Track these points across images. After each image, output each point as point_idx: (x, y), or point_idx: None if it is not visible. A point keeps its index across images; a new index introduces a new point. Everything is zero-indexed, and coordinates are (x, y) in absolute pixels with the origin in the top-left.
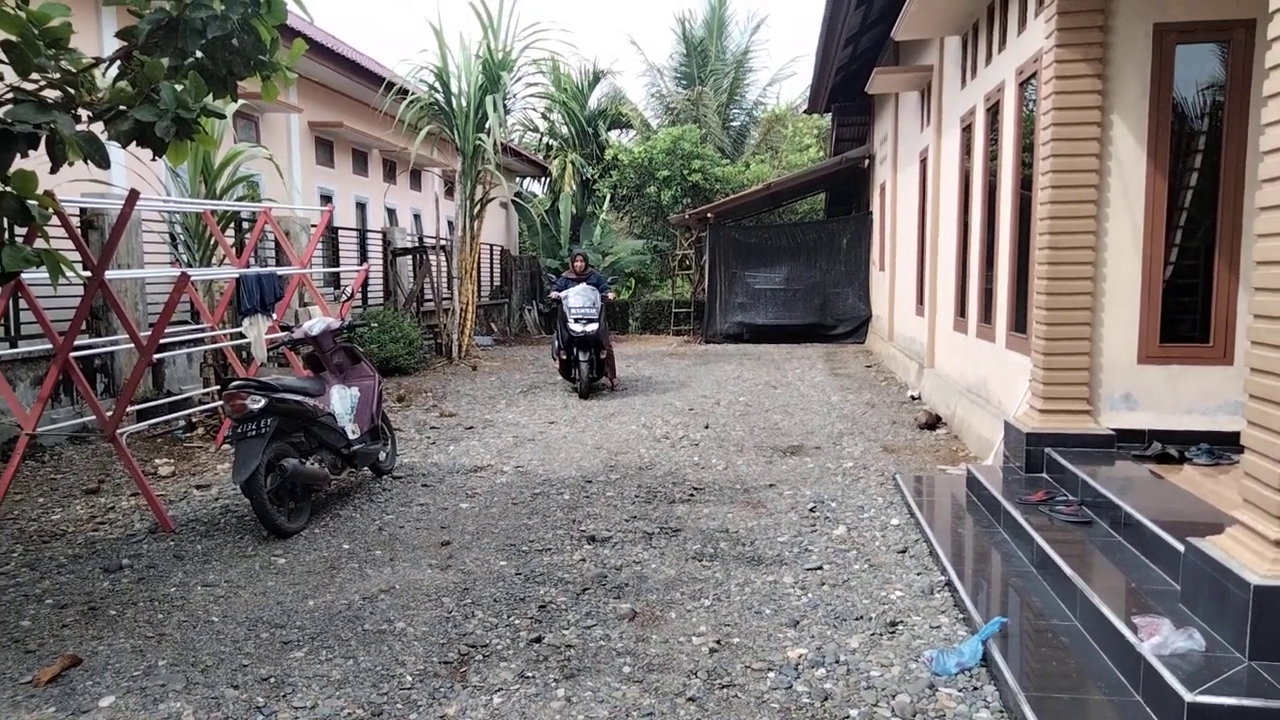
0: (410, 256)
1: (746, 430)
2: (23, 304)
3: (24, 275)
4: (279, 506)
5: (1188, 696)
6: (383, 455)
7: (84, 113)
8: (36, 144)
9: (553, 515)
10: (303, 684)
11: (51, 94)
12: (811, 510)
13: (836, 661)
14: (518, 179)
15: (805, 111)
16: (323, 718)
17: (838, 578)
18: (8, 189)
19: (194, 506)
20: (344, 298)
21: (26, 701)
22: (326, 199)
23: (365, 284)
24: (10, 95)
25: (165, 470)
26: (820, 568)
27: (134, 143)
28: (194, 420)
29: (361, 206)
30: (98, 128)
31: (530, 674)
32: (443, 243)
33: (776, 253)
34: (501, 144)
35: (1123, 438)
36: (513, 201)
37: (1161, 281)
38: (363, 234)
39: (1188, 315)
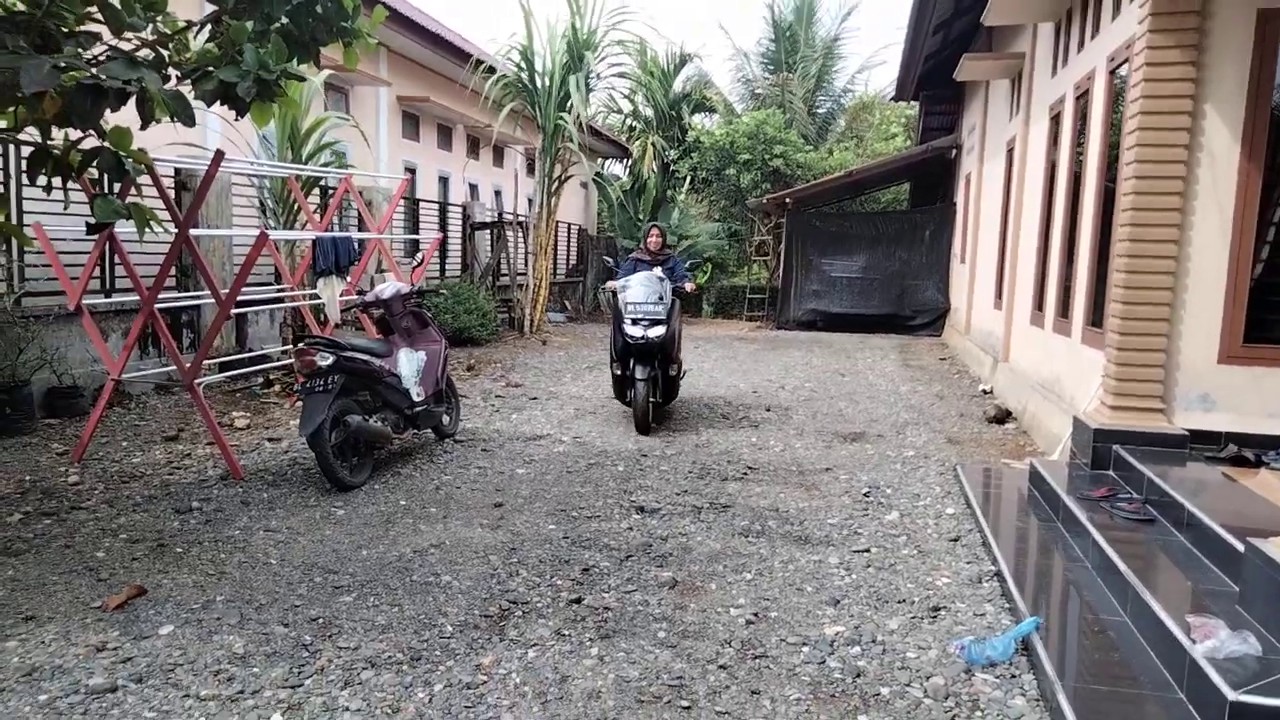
0: (489, 231)
1: (809, 415)
2: (117, 258)
3: (118, 230)
4: (342, 461)
5: (1231, 695)
6: (446, 419)
7: (173, 72)
8: (126, 100)
9: (605, 485)
10: (349, 626)
11: (145, 54)
12: (865, 495)
13: (873, 641)
14: (599, 159)
15: (892, 99)
16: (364, 658)
17: (884, 561)
18: (105, 144)
19: (264, 457)
20: (414, 264)
21: (95, 625)
22: (410, 172)
23: (444, 255)
24: (106, 54)
25: (241, 423)
26: (868, 550)
27: (218, 102)
28: (271, 377)
29: (444, 180)
30: (186, 88)
31: (567, 632)
32: (520, 219)
33: (855, 241)
34: (583, 123)
35: (1197, 439)
36: (594, 181)
37: (1249, 279)
38: (443, 207)
39: (1276, 315)
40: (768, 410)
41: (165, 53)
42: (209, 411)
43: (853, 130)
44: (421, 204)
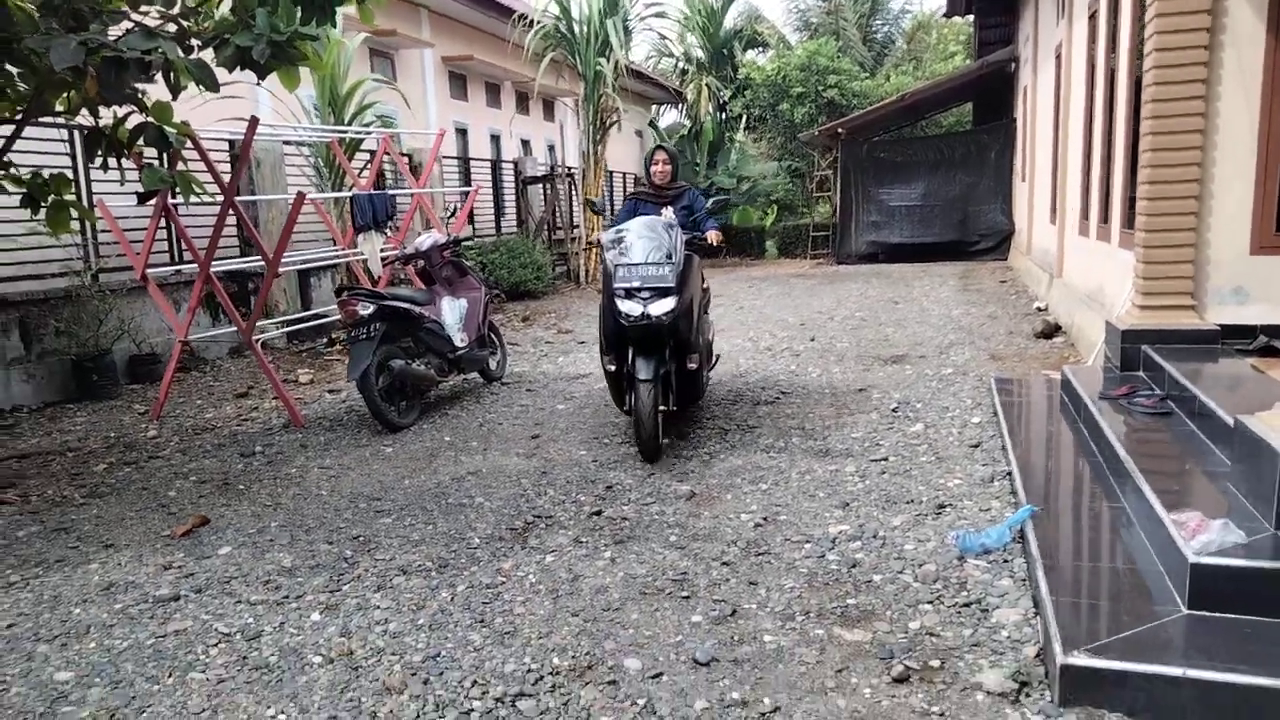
0: (540, 185)
1: (853, 342)
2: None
3: (173, 202)
4: (390, 403)
5: (1191, 558)
6: (492, 363)
7: (195, 43)
8: (147, 70)
9: None
10: (386, 542)
11: (170, 27)
12: (894, 410)
13: (874, 537)
14: (653, 105)
15: (944, 15)
16: (397, 567)
17: (900, 468)
18: (149, 119)
19: (324, 407)
20: (446, 216)
21: (163, 549)
22: (461, 132)
23: (499, 211)
24: (129, 29)
25: (305, 378)
26: (885, 459)
27: (238, 67)
28: (334, 336)
29: (495, 138)
30: (210, 57)
31: (584, 540)
32: (570, 171)
33: (913, 168)
34: (630, 69)
35: (1230, 334)
36: (649, 126)
37: None
38: (495, 164)
39: None
40: (812, 340)
41: (187, 24)
42: (268, 365)
43: (911, 53)
44: (473, 162)
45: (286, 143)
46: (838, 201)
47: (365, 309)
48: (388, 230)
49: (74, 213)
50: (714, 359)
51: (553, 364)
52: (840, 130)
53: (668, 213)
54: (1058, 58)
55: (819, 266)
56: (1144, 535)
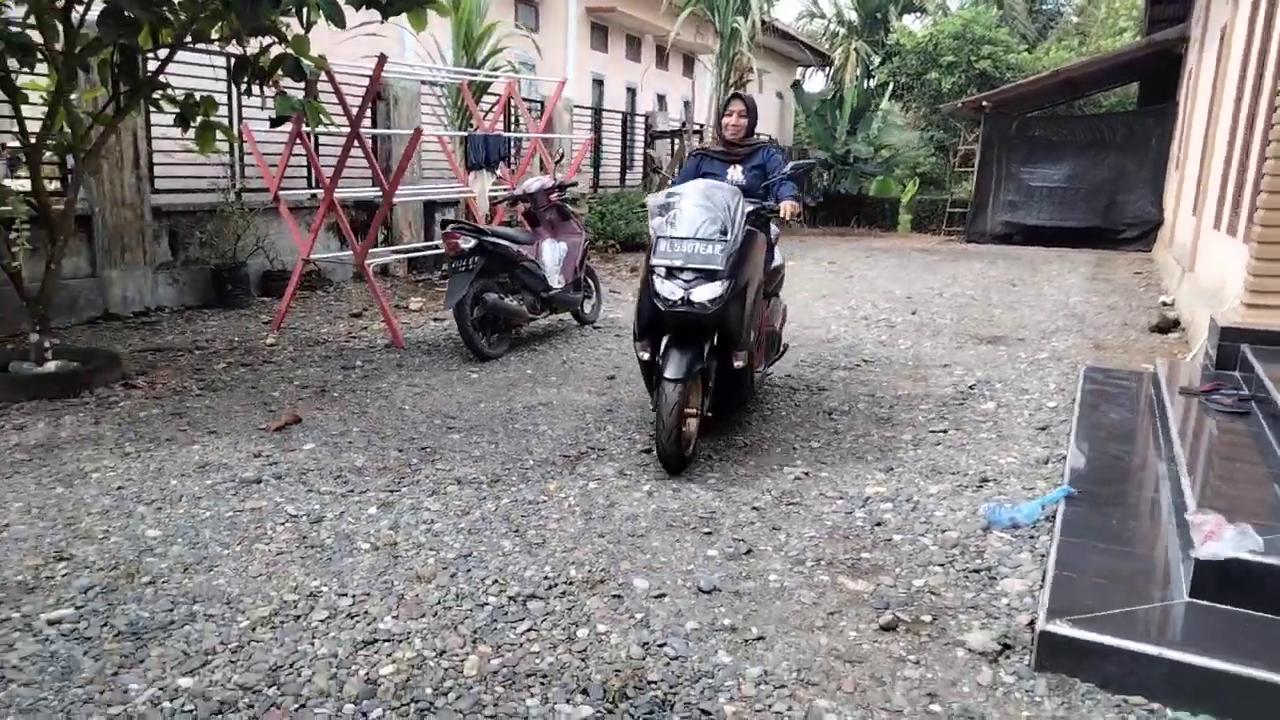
0: (669, 140)
1: (954, 319)
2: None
3: (314, 131)
4: (481, 334)
5: (1195, 553)
6: (586, 307)
7: None
8: (278, 3)
9: None
10: (449, 455)
11: None
12: (971, 388)
13: (907, 501)
14: (799, 68)
15: None
16: (454, 478)
17: (957, 441)
18: (289, 50)
19: (426, 333)
20: (556, 161)
21: (257, 440)
22: (598, 83)
23: (625, 165)
24: None
25: (415, 305)
26: (945, 432)
27: (363, 6)
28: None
29: (631, 91)
30: None
31: (628, 473)
32: (697, 127)
33: (1062, 147)
34: (776, 28)
35: None
36: (791, 89)
37: None
38: (625, 117)
39: None
40: (913, 314)
41: None
42: (378, 289)
43: (1079, 27)
44: (605, 113)
45: (423, 82)
46: (975, 178)
47: (466, 243)
48: (499, 171)
49: (219, 134)
50: (780, 350)
51: None
52: (985, 104)
53: (735, 173)
54: (1221, 38)
55: (948, 243)
56: (1171, 527)
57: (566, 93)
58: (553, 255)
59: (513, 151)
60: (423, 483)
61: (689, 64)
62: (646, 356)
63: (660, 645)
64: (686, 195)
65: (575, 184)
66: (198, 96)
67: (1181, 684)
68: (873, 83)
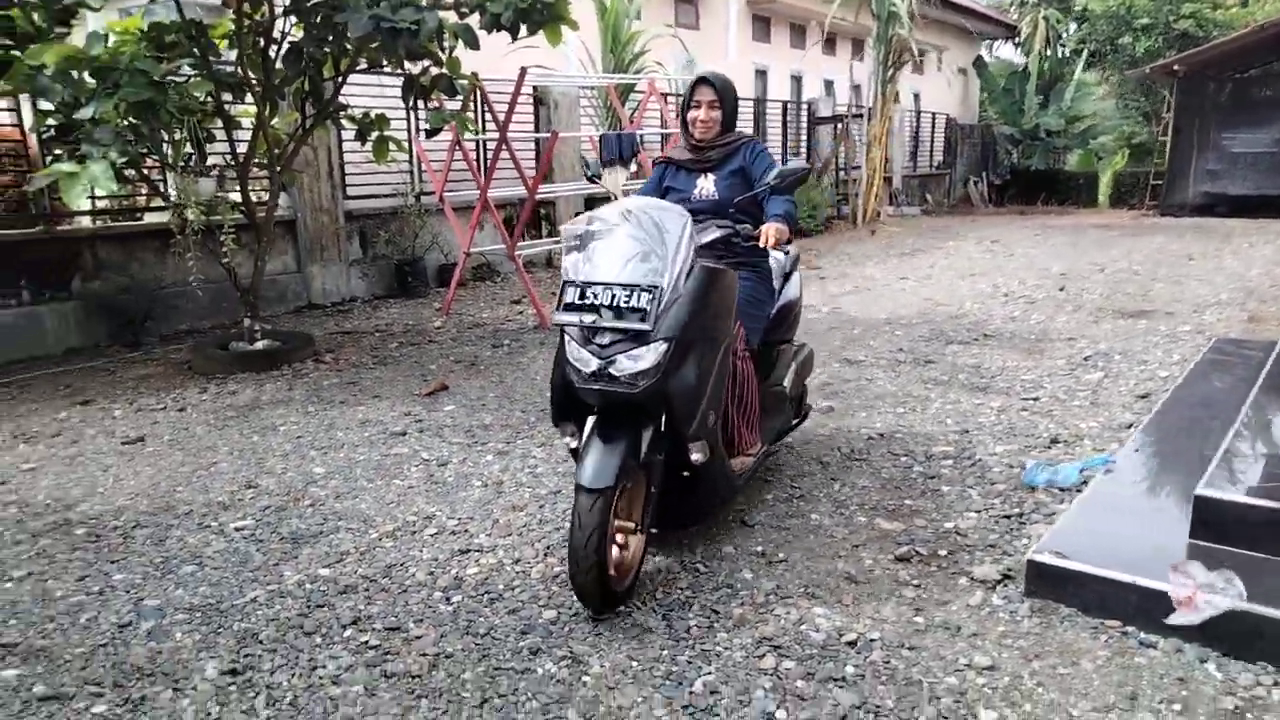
0: (832, 125)
1: (1104, 295)
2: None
3: (470, 140)
4: None
5: (1195, 490)
6: None
7: (464, 9)
8: (416, 36)
9: (830, 342)
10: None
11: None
12: (1086, 359)
13: (969, 458)
14: (982, 40)
15: None
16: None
17: (1045, 409)
18: (444, 71)
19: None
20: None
21: (410, 403)
22: (761, 74)
23: (783, 151)
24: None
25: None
26: (1036, 399)
27: (494, 29)
28: None
29: (797, 80)
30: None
31: None
32: (858, 111)
33: (1267, 107)
34: (953, 2)
35: None
36: (973, 66)
37: None
38: (785, 105)
39: None
40: (1060, 290)
41: None
42: (526, 276)
43: None
44: (768, 104)
45: (581, 86)
46: (1169, 146)
47: None
48: (632, 166)
49: (392, 146)
50: (800, 415)
51: None
52: (1177, 68)
53: (705, 185)
54: None
55: (1141, 218)
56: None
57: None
58: None
59: (640, 147)
60: (535, 437)
61: (858, 47)
62: (573, 445)
63: (695, 563)
64: (608, 219)
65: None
66: (373, 115)
67: (1153, 610)
68: (1066, 51)
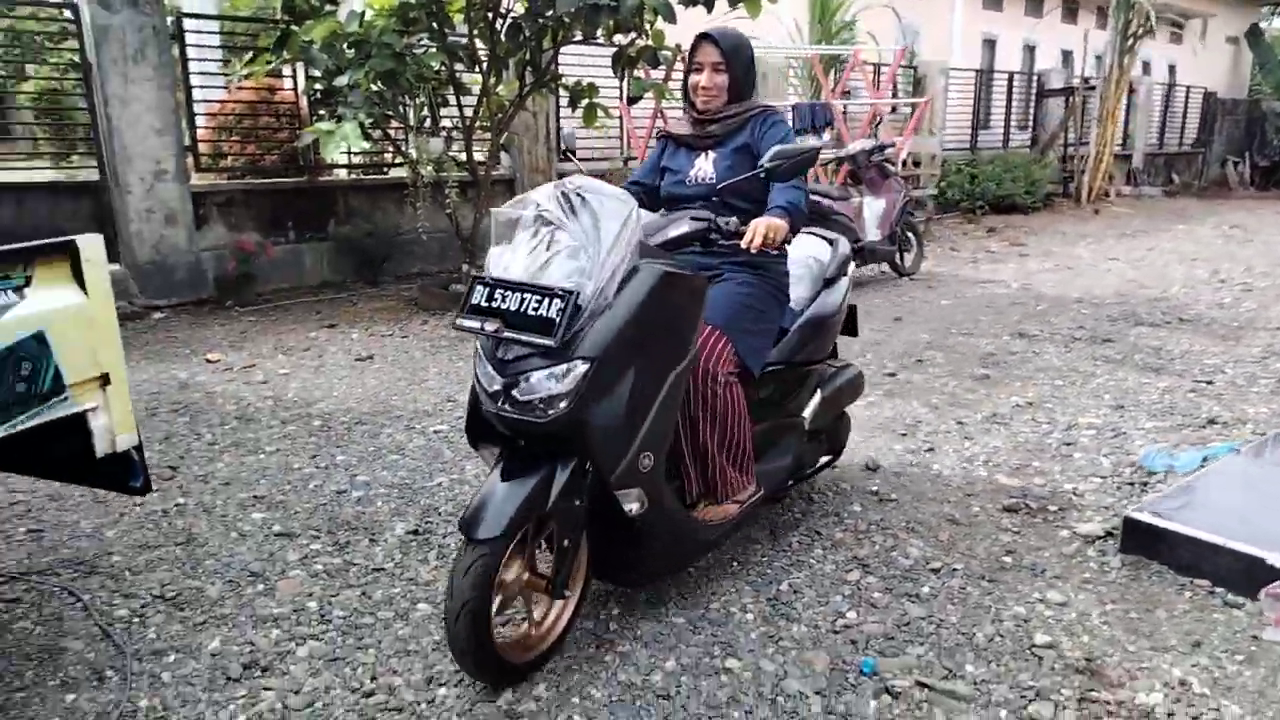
0: (1063, 98)
1: None
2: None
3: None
4: None
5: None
6: (907, 259)
7: None
8: (616, 11)
9: (1008, 317)
10: None
11: None
12: None
13: (1113, 430)
14: (1262, 7)
15: None
16: None
17: (1215, 392)
18: (649, 43)
19: None
20: (876, 123)
21: None
22: (989, 44)
23: (1007, 125)
24: None
25: None
26: (1210, 383)
27: (691, 4)
28: None
29: (1030, 50)
30: None
31: (867, 392)
32: (1091, 83)
33: None
34: None
35: None
36: (1248, 35)
37: None
38: (1011, 76)
39: None
40: None
41: None
42: None
43: None
44: (993, 75)
45: (787, 56)
46: None
47: None
48: (825, 136)
49: (600, 112)
50: (832, 453)
51: (973, 270)
52: None
53: (704, 165)
54: None
55: None
56: None
57: (947, 57)
58: (871, 210)
59: (832, 117)
60: None
61: (1102, 15)
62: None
63: (812, 494)
64: (539, 204)
65: (893, 145)
66: (584, 83)
67: (1248, 575)
68: None
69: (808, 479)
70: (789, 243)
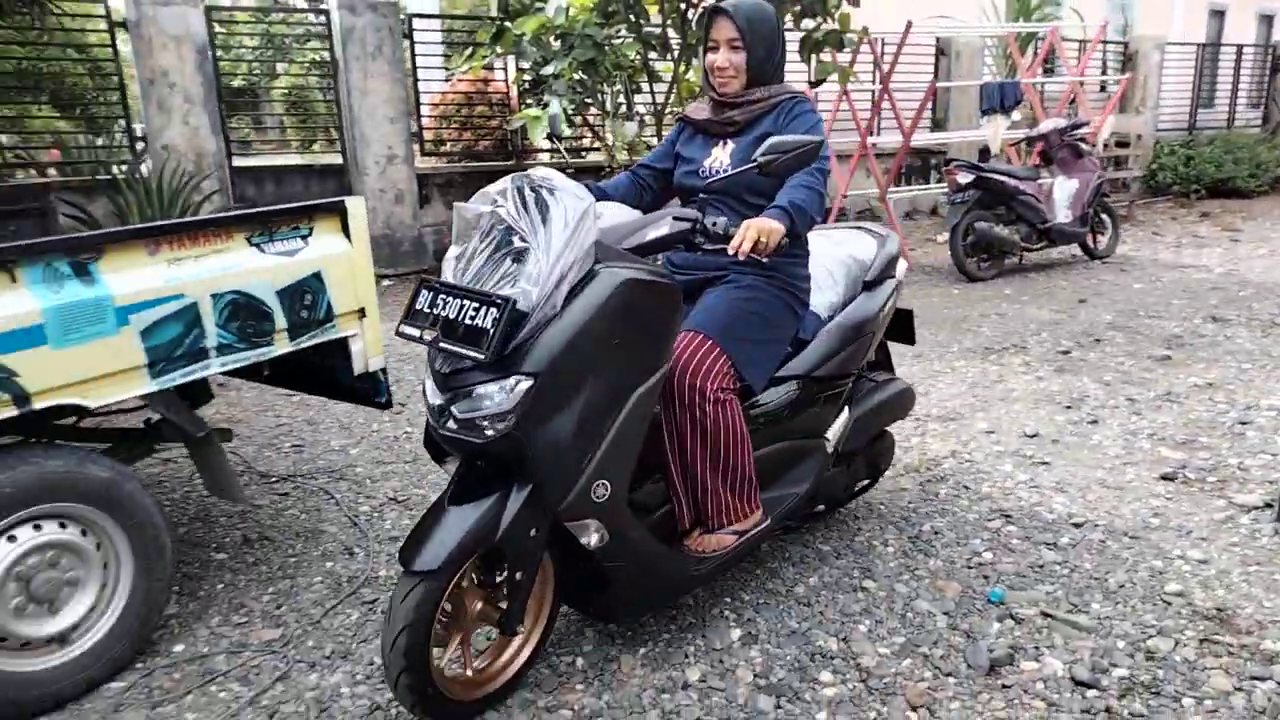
0: None
1: None
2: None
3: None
4: (971, 258)
5: None
6: (1101, 242)
7: None
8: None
9: (1204, 301)
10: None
11: None
12: None
13: None
14: None
15: None
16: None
17: None
18: (835, 26)
19: (941, 260)
20: (1073, 101)
21: None
22: (1217, 14)
23: (1233, 102)
24: None
25: (941, 239)
26: None
27: None
28: None
29: (1266, 19)
30: None
31: (1034, 365)
32: None
33: None
34: None
35: None
36: None
37: None
38: (1239, 50)
39: None
40: None
41: None
42: (894, 218)
43: None
44: (1220, 49)
45: (983, 36)
46: None
47: (964, 177)
48: (1014, 115)
49: None
50: (875, 473)
51: (1171, 253)
52: None
53: (720, 155)
54: None
55: None
56: None
57: (1165, 31)
58: (1062, 191)
59: (1022, 95)
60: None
61: None
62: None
63: (967, 455)
64: (495, 198)
65: (1088, 124)
66: None
67: None
68: None
69: (838, 508)
70: (780, 250)
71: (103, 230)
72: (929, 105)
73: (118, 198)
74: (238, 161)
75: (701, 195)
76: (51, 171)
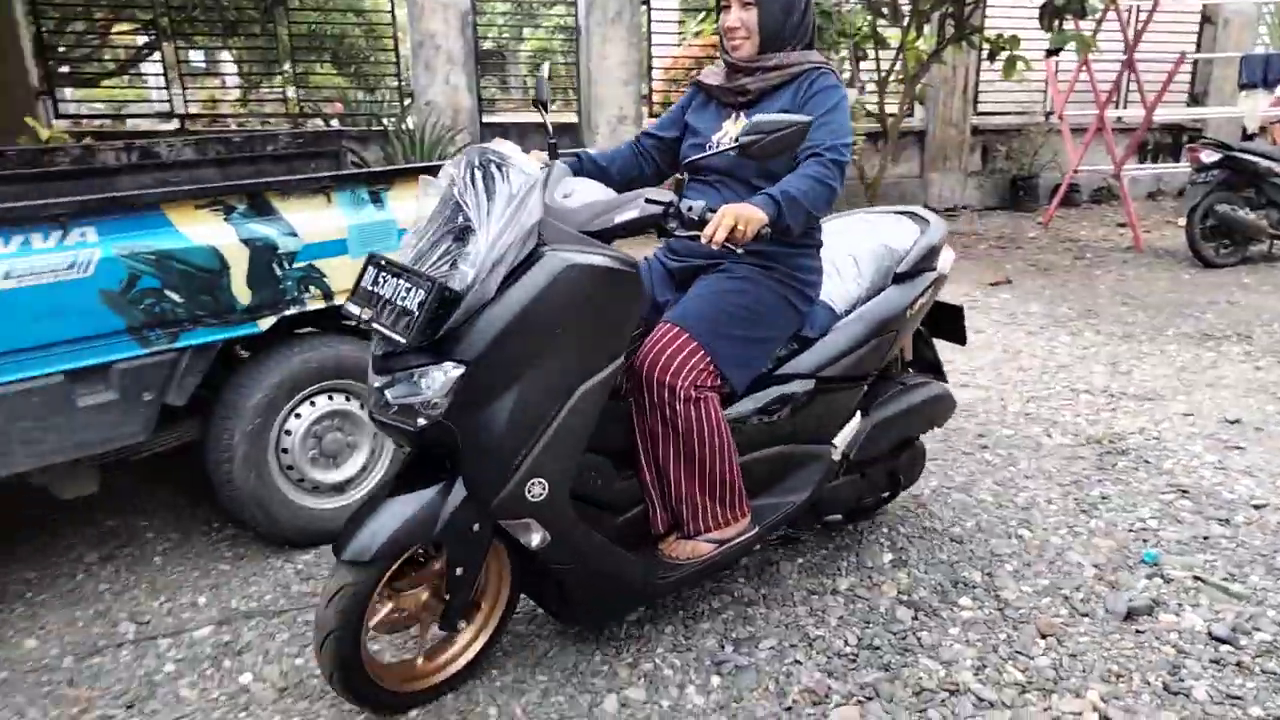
0: None
1: None
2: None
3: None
4: (1209, 242)
5: None
6: None
7: None
8: None
9: None
10: (1103, 316)
11: None
12: None
13: None
14: None
15: None
16: (1093, 328)
17: None
18: None
19: (1176, 243)
20: None
21: (969, 285)
22: None
23: None
24: None
25: (1182, 221)
26: None
27: None
28: None
29: None
30: None
31: (1251, 352)
32: None
33: None
34: None
35: None
36: None
37: None
38: None
39: None
40: None
41: None
42: (1128, 196)
43: None
44: None
45: (1258, 4)
46: None
47: (1209, 156)
48: (1278, 91)
49: (1021, 65)
50: (895, 486)
51: None
52: None
53: (730, 129)
54: None
55: None
56: None
57: None
58: None
59: None
60: (1068, 326)
61: None
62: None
63: (1155, 433)
64: (449, 171)
65: None
66: (1005, 35)
67: None
68: None
69: (850, 522)
70: (758, 239)
71: (393, 166)
72: (1180, 77)
73: (387, 146)
74: (486, 118)
75: (680, 175)
76: (334, 122)
